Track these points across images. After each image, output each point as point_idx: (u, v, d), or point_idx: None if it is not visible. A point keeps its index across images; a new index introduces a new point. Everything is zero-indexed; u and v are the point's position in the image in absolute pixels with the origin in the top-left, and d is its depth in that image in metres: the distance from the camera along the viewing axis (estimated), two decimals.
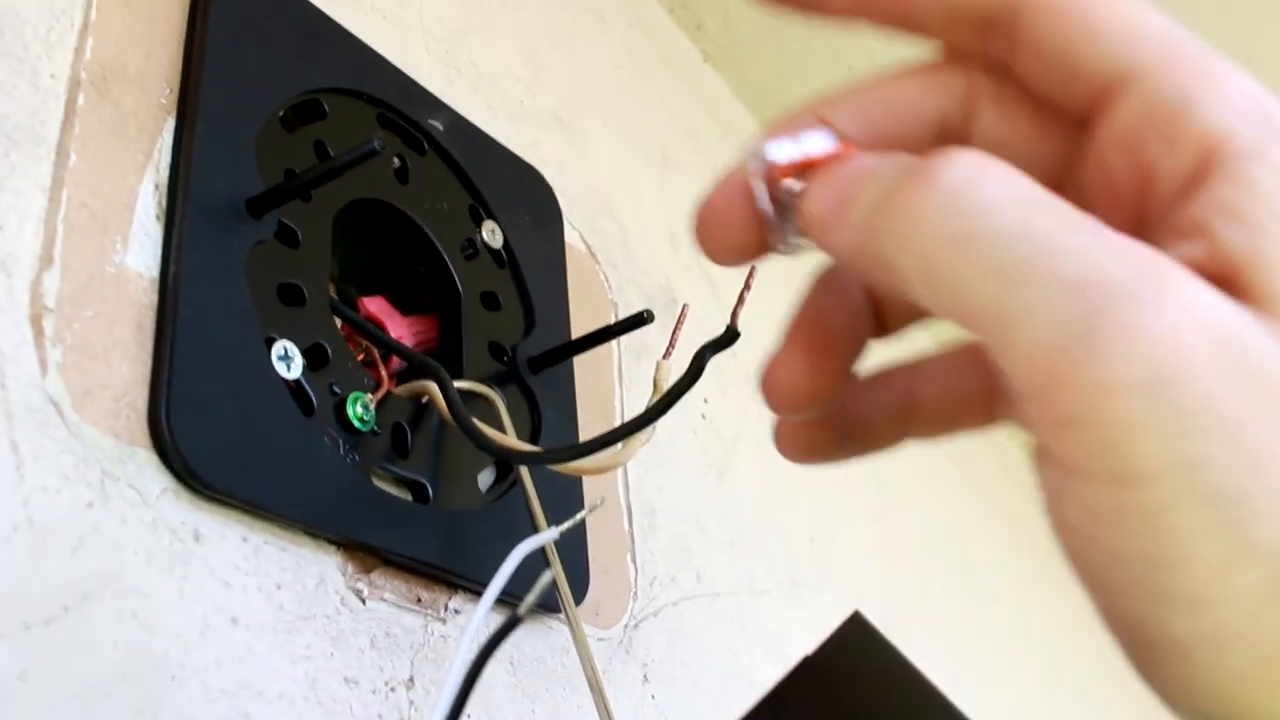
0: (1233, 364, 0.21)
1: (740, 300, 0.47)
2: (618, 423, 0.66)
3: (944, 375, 0.32)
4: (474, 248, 0.59)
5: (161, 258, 0.44)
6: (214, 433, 0.43)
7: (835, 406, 0.31)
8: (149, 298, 0.44)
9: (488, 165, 0.62)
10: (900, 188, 0.24)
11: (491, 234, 0.60)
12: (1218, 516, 0.21)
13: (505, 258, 0.61)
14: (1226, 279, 0.22)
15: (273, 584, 0.44)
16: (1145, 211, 0.25)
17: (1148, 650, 0.22)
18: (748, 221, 0.28)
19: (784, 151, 0.27)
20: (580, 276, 0.68)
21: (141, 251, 0.44)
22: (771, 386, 0.30)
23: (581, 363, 0.63)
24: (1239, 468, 0.21)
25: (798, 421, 0.32)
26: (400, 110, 0.58)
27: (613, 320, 0.69)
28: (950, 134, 0.28)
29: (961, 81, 0.28)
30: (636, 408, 0.67)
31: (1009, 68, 0.27)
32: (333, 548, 0.47)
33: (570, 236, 0.69)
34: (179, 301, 0.43)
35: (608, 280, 0.71)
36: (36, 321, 0.40)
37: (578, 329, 0.64)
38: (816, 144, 0.28)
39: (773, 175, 0.28)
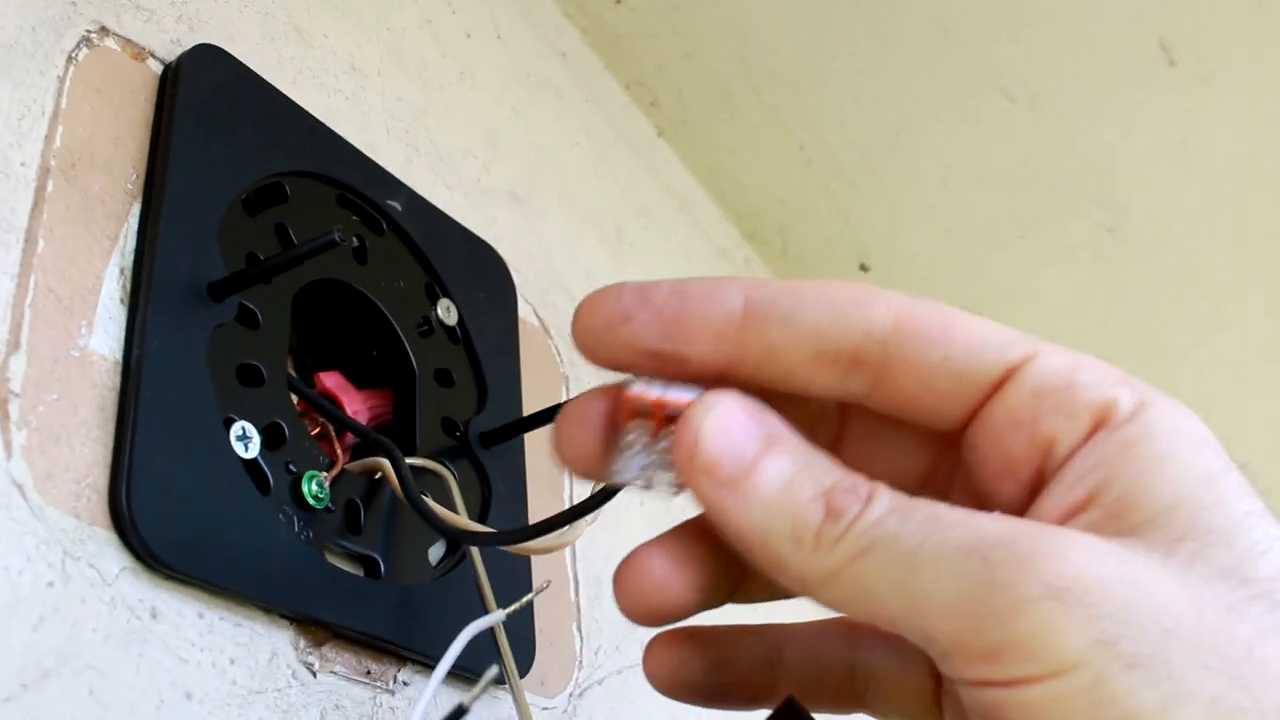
0: (1115, 568, 0.26)
1: None
2: (566, 494, 0.68)
3: (812, 641, 0.37)
4: (429, 325, 0.61)
5: (125, 341, 0.46)
6: (172, 512, 0.44)
7: (709, 645, 0.36)
8: (112, 380, 0.45)
9: (445, 243, 0.64)
10: (807, 512, 0.29)
11: (446, 311, 0.62)
12: (1145, 675, 0.24)
13: (460, 334, 0.63)
14: (1112, 515, 0.28)
15: (226, 659, 0.45)
16: (1043, 471, 0.30)
17: None
18: (598, 440, 0.32)
19: (651, 391, 0.30)
20: (533, 351, 0.70)
21: (106, 335, 0.46)
22: (630, 578, 0.34)
23: (532, 436, 0.65)
24: (1150, 635, 0.25)
25: (667, 646, 0.36)
26: (360, 191, 0.60)
27: (563, 394, 0.71)
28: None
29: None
30: (586, 484, 0.69)
31: (855, 412, 0.33)
32: (286, 622, 0.48)
33: (524, 311, 0.71)
34: (141, 384, 0.45)
35: (559, 354, 0.73)
36: (2, 405, 0.41)
37: (529, 402, 0.66)
38: (683, 394, 0.30)
39: (633, 407, 0.30)
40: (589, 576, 0.67)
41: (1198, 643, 0.25)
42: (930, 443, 0.34)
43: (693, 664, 0.36)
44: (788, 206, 1.03)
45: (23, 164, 0.46)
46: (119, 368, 0.46)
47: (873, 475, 0.30)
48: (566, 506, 0.68)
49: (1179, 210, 0.98)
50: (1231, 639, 0.25)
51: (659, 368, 0.31)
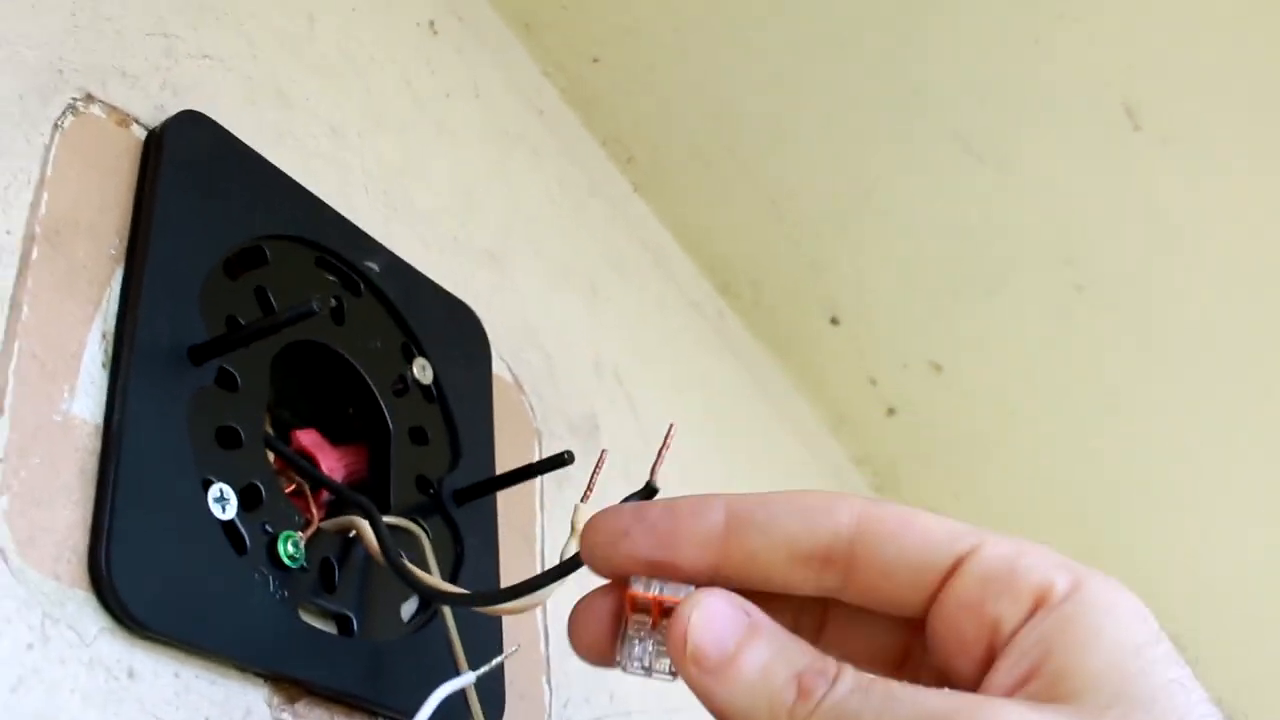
0: None
1: (659, 458, 0.50)
2: (538, 550, 0.69)
3: None
4: (405, 384, 0.62)
5: (106, 405, 0.47)
6: (150, 574, 0.45)
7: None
8: (93, 444, 0.46)
9: (421, 303, 0.66)
10: (783, 693, 0.33)
11: (422, 370, 0.64)
12: None
13: (435, 393, 0.64)
14: (1050, 685, 0.32)
15: (201, 717, 0.46)
16: (993, 649, 0.34)
17: None
18: (605, 631, 0.37)
19: (651, 590, 0.36)
20: (506, 407, 0.71)
21: (87, 399, 0.47)
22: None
23: (505, 492, 0.66)
24: None
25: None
26: (338, 253, 0.61)
27: (537, 450, 0.73)
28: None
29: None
30: (557, 536, 0.70)
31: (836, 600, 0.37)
32: (260, 680, 0.49)
33: (498, 368, 0.72)
34: (121, 447, 0.46)
35: (533, 410, 0.75)
36: None
37: (502, 458, 0.67)
38: (678, 591, 0.36)
39: (635, 604, 0.36)
40: (559, 631, 0.68)
41: None
42: (901, 627, 0.38)
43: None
44: (759, 261, 1.05)
45: (8, 232, 0.47)
46: (100, 431, 0.47)
47: (853, 656, 0.35)
48: (539, 563, 0.69)
49: (1146, 268, 1.00)
50: None
51: (656, 573, 0.36)
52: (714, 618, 0.34)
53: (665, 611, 0.35)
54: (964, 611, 0.35)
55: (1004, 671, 0.33)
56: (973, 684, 0.34)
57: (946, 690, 0.31)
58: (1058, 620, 0.33)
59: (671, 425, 0.47)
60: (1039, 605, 0.33)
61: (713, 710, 0.34)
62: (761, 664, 0.33)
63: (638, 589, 0.36)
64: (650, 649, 0.36)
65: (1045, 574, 0.34)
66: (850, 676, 0.33)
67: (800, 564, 0.36)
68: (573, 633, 0.38)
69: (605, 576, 0.38)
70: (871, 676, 0.33)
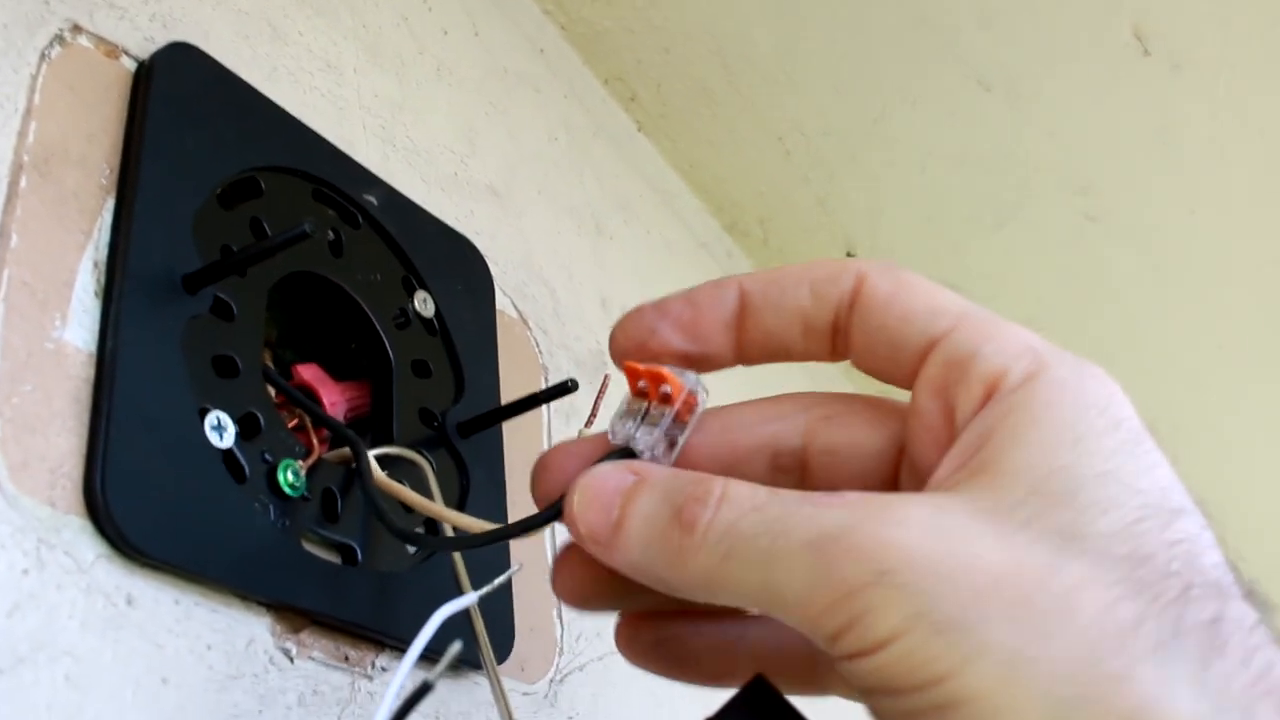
0: (937, 543, 0.28)
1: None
2: None
3: (774, 628, 0.39)
4: (406, 317, 0.62)
5: (99, 333, 0.47)
6: (147, 501, 0.45)
7: (663, 625, 0.39)
8: (86, 372, 0.46)
9: (421, 237, 0.65)
10: (669, 533, 0.32)
11: (423, 304, 0.63)
12: (950, 637, 0.27)
13: (436, 326, 0.64)
14: (978, 481, 0.30)
15: (203, 645, 0.46)
16: (953, 437, 0.32)
17: None
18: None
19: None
20: (511, 342, 0.70)
21: (80, 327, 0.46)
22: (557, 576, 0.38)
23: (511, 424, 0.66)
24: (962, 599, 0.28)
25: (628, 619, 0.40)
26: (336, 186, 0.60)
27: (543, 384, 0.72)
28: (781, 447, 0.37)
29: (799, 416, 0.37)
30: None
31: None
32: (263, 609, 0.49)
33: (502, 304, 0.71)
34: (115, 375, 0.45)
35: (538, 345, 0.74)
36: None
37: (508, 393, 0.66)
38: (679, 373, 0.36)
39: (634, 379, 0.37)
40: None
41: (1010, 600, 0.27)
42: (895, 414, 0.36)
43: (649, 636, 0.38)
44: (768, 198, 1.04)
45: None
46: (94, 360, 0.46)
47: (858, 443, 0.35)
48: None
49: (1157, 196, 0.99)
50: (1045, 594, 0.27)
51: (688, 365, 0.36)
52: (595, 493, 0.34)
53: (663, 395, 0.36)
54: (930, 397, 0.33)
55: (946, 465, 0.32)
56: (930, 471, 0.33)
57: (849, 496, 0.30)
58: (1000, 412, 0.31)
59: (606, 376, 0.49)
60: (990, 393, 0.31)
61: (632, 578, 0.34)
62: (644, 515, 0.33)
63: (640, 365, 0.36)
64: (638, 426, 0.36)
65: (1003, 361, 0.32)
66: (738, 497, 0.32)
67: (815, 337, 0.35)
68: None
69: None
70: (767, 493, 0.31)
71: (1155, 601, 0.27)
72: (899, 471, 0.36)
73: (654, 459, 0.36)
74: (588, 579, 0.37)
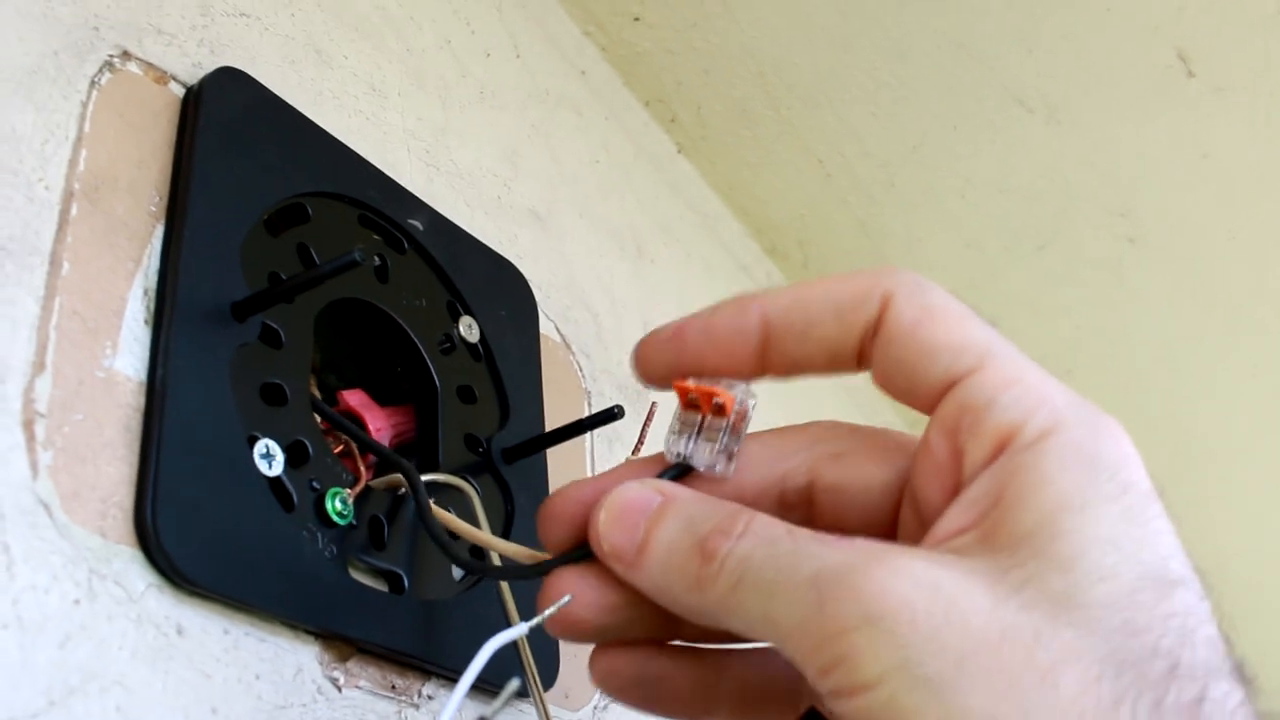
0: (930, 597, 0.29)
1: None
2: None
3: (756, 661, 0.39)
4: (451, 342, 0.62)
5: (149, 361, 0.46)
6: (197, 530, 0.44)
7: (644, 659, 0.39)
8: (137, 400, 0.46)
9: (466, 262, 0.65)
10: (690, 560, 0.33)
11: (469, 329, 0.63)
12: (931, 694, 0.28)
13: (481, 351, 0.63)
14: (984, 539, 0.30)
15: (252, 675, 0.46)
16: (959, 482, 0.32)
17: None
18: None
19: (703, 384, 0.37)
20: (554, 367, 0.70)
21: (130, 355, 0.46)
22: (548, 598, 0.38)
23: (555, 450, 0.65)
24: (947, 658, 0.28)
25: (604, 650, 0.39)
26: (381, 211, 0.60)
27: (586, 409, 0.72)
28: (788, 485, 0.37)
29: (805, 454, 0.37)
30: None
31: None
32: (311, 638, 0.49)
33: (545, 328, 0.71)
34: (165, 404, 0.45)
35: (581, 370, 0.74)
36: (29, 426, 0.42)
37: (552, 418, 0.66)
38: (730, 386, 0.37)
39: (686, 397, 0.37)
40: None
41: (993, 667, 0.27)
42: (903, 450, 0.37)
43: (630, 671, 0.39)
44: (807, 221, 1.04)
45: (47, 188, 0.46)
46: (143, 388, 0.46)
47: (864, 481, 0.35)
48: None
49: (1199, 219, 0.98)
50: (1028, 666, 0.27)
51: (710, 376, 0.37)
52: (621, 513, 0.35)
53: (717, 407, 0.36)
54: (941, 437, 0.33)
55: (950, 517, 0.31)
56: (933, 522, 0.33)
57: (858, 541, 0.31)
58: (1012, 467, 0.31)
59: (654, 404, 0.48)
60: (1001, 447, 0.31)
61: (652, 598, 0.34)
62: (669, 540, 0.34)
63: (690, 382, 0.36)
64: (693, 442, 0.37)
65: (1019, 414, 0.31)
66: (758, 530, 0.32)
67: (840, 361, 0.35)
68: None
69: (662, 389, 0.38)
70: (785, 528, 0.32)
71: (1139, 681, 0.27)
72: (902, 503, 0.36)
73: (712, 472, 0.37)
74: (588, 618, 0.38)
